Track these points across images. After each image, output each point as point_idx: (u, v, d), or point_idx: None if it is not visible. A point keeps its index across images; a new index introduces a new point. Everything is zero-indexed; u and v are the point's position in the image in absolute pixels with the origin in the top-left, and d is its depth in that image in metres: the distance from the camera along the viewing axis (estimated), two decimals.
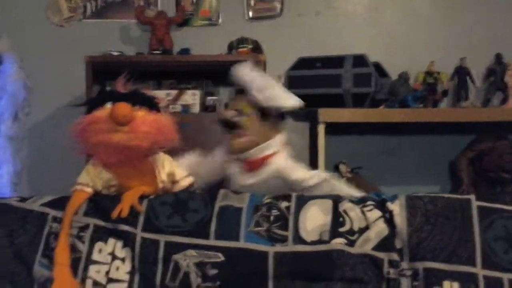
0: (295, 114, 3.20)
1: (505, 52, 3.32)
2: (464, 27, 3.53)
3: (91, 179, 1.99)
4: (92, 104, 1.94)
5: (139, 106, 1.89)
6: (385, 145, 3.47)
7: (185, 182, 2.10)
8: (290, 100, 2.33)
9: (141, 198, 1.94)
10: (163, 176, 2.04)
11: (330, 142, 3.07)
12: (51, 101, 3.51)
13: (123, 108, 1.83)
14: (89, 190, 1.97)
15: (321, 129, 3.02)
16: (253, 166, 2.34)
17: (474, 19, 3.53)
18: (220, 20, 3.56)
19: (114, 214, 1.88)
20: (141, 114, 1.88)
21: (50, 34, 3.56)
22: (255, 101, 2.29)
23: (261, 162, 2.33)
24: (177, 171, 2.09)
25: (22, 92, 3.46)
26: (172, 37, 3.31)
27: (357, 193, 2.18)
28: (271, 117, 2.33)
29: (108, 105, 1.87)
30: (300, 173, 2.33)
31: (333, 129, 3.08)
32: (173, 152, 2.10)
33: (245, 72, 2.36)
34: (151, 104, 1.95)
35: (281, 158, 2.36)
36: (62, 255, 1.83)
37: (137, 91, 1.96)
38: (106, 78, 3.17)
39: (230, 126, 2.32)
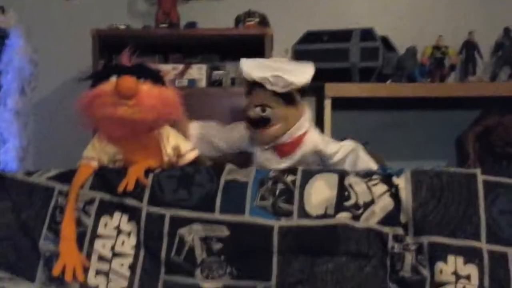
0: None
1: None
2: (473, 1, 3.50)
3: (97, 153, 1.99)
4: (97, 77, 1.93)
5: (144, 80, 1.89)
6: (392, 120, 3.45)
7: (190, 155, 2.10)
8: (303, 76, 2.30)
9: (147, 172, 1.94)
10: (168, 149, 2.04)
11: (336, 117, 3.06)
12: (57, 76, 3.51)
13: (128, 81, 1.83)
14: (95, 164, 1.98)
15: (327, 104, 3.02)
16: (288, 149, 2.34)
17: None
18: None
19: (120, 188, 1.88)
20: (146, 87, 1.88)
21: (56, 8, 3.55)
22: (273, 91, 2.27)
23: (296, 144, 2.34)
24: (182, 144, 2.09)
25: (28, 66, 3.46)
26: (178, 10, 3.29)
27: (374, 165, 2.25)
28: (293, 99, 2.31)
29: (113, 79, 1.87)
30: (333, 146, 2.35)
31: (339, 103, 3.07)
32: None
33: (253, 69, 2.33)
34: (156, 78, 1.95)
35: (313, 135, 2.38)
36: (68, 229, 1.84)
37: (142, 64, 1.96)
38: (113, 52, 3.15)
39: (260, 124, 2.31)
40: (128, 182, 1.89)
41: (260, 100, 2.30)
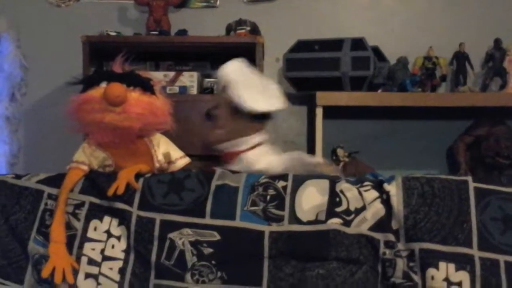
0: (292, 97, 3.21)
1: (504, 37, 3.31)
2: (463, 12, 3.53)
3: (87, 158, 1.99)
4: (87, 83, 1.93)
5: (133, 87, 1.89)
6: (383, 129, 3.46)
7: (181, 162, 2.10)
8: (261, 104, 2.34)
9: (137, 176, 1.94)
10: (159, 156, 2.05)
11: (327, 126, 3.06)
12: (48, 81, 3.50)
13: (117, 88, 1.83)
14: (85, 168, 1.97)
15: (319, 112, 3.02)
16: (227, 158, 2.39)
17: (473, 4, 3.53)
18: (218, 2, 3.55)
19: (110, 192, 1.87)
20: (135, 96, 1.88)
21: (47, 14, 3.55)
22: (230, 97, 2.33)
23: (230, 157, 2.38)
24: (173, 151, 2.10)
25: (19, 72, 3.46)
26: (169, 18, 3.30)
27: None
28: (247, 115, 2.34)
29: (103, 85, 1.87)
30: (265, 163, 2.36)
31: (331, 112, 3.07)
32: None
33: (231, 68, 2.41)
34: (146, 86, 1.95)
35: (254, 154, 2.39)
36: (57, 231, 1.84)
37: (133, 72, 1.97)
38: (104, 59, 3.16)
39: (208, 117, 2.43)
40: (118, 186, 1.88)
41: (218, 99, 2.45)
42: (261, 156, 2.39)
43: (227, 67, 2.42)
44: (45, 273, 1.77)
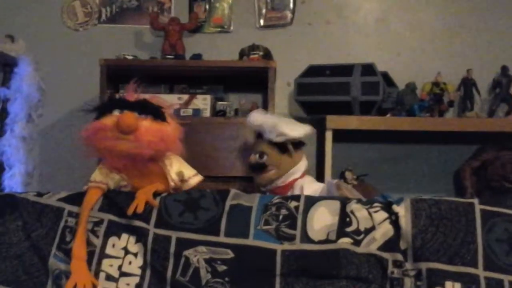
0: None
1: (511, 64, 3.36)
2: (471, 39, 3.58)
3: (104, 178, 2.04)
4: (101, 110, 2.00)
5: (145, 116, 1.96)
6: (391, 153, 3.50)
7: (193, 180, 2.16)
8: (297, 131, 2.63)
9: (154, 195, 2.00)
10: (173, 175, 2.09)
11: (337, 149, 3.11)
12: (64, 104, 3.57)
13: (128, 118, 1.90)
14: (104, 186, 2.03)
15: (328, 135, 3.06)
16: (281, 191, 2.60)
17: (481, 31, 3.58)
18: (231, 28, 3.62)
19: (130, 211, 1.93)
20: (146, 124, 1.95)
21: (65, 38, 3.62)
22: (270, 140, 2.62)
23: (287, 188, 2.65)
24: (185, 170, 2.15)
25: (36, 94, 3.52)
26: (184, 43, 3.36)
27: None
28: (287, 148, 2.63)
29: (116, 113, 1.95)
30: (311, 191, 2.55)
31: (340, 136, 3.12)
32: None
33: (257, 118, 2.69)
34: (157, 114, 2.01)
35: (303, 180, 2.66)
36: (79, 249, 1.90)
37: (145, 100, 2.02)
38: (120, 82, 3.22)
39: (257, 168, 2.67)
40: (138, 205, 1.94)
41: (258, 148, 2.67)
42: (309, 183, 2.64)
43: (253, 116, 2.70)
44: None
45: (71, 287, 1.82)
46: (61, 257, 1.93)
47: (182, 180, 2.14)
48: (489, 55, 3.53)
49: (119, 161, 1.99)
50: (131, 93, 2.04)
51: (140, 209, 1.93)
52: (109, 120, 1.93)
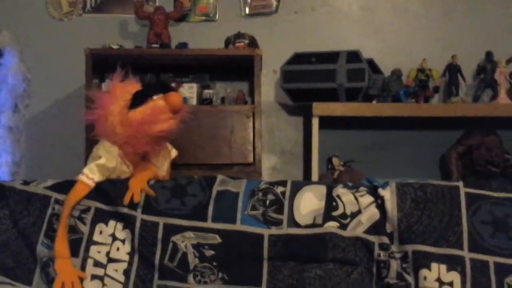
0: (289, 108, 3.29)
1: (495, 50, 3.37)
2: (456, 25, 3.59)
3: (104, 174, 2.04)
4: (141, 97, 2.03)
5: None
6: (377, 139, 3.51)
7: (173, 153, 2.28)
8: None
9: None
10: (165, 169, 2.16)
11: (323, 135, 3.12)
12: (50, 94, 3.54)
13: (178, 97, 2.03)
14: (93, 185, 2.01)
15: (315, 122, 3.07)
16: None
17: (465, 17, 3.58)
18: (217, 16, 3.61)
19: (126, 200, 1.95)
20: None
21: (50, 28, 3.60)
22: None
23: None
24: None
25: (22, 84, 3.50)
26: (170, 32, 3.35)
27: None
28: None
29: (159, 95, 2.01)
30: None
31: (326, 123, 3.13)
32: None
33: None
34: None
35: None
36: (61, 247, 1.91)
37: (162, 80, 2.10)
38: (105, 71, 3.21)
39: None
40: (134, 194, 1.95)
41: None
42: None
43: None
44: None
45: (59, 287, 1.83)
46: (49, 244, 1.94)
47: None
48: (474, 41, 3.54)
49: (151, 144, 2.06)
50: (118, 78, 2.09)
51: (137, 199, 1.95)
52: (158, 103, 2.00)
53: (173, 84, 3.20)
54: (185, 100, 3.15)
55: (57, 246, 1.90)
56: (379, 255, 1.87)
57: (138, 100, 1.99)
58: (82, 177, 2.00)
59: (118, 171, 2.05)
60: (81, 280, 1.87)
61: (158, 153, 2.14)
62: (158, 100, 1.98)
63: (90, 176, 2.01)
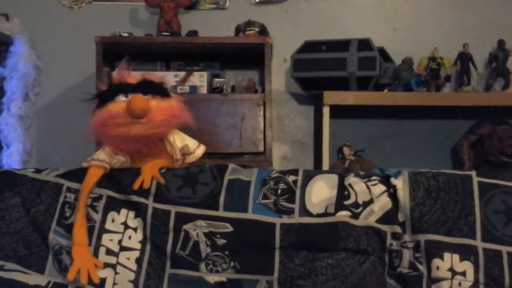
0: (300, 97, 3.28)
1: (507, 38, 3.35)
2: (467, 13, 3.58)
3: (108, 158, 2.03)
4: (104, 97, 1.98)
5: (151, 95, 1.95)
6: (388, 128, 3.51)
7: (199, 151, 2.18)
8: None
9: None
10: (178, 153, 2.10)
11: (334, 124, 3.12)
12: (60, 82, 3.56)
13: (139, 101, 1.89)
14: (107, 166, 2.00)
15: (325, 111, 3.07)
16: None
17: (477, 5, 3.57)
18: (227, 4, 3.60)
19: (136, 185, 1.94)
20: (155, 104, 1.94)
21: (60, 16, 3.60)
22: None
23: None
24: (190, 143, 2.15)
25: (32, 72, 3.51)
26: (180, 20, 3.35)
27: None
28: None
29: (121, 97, 1.93)
30: None
31: (337, 112, 3.13)
32: None
33: None
34: (162, 91, 2.01)
35: None
36: (79, 234, 1.88)
37: (146, 80, 2.00)
38: (116, 59, 3.20)
39: None
40: (144, 180, 1.94)
41: None
42: None
43: None
44: (70, 276, 1.81)
45: (74, 273, 1.82)
46: (61, 232, 1.93)
47: (188, 153, 2.14)
48: (486, 29, 3.53)
49: (132, 145, 1.99)
50: (123, 72, 2.02)
51: (146, 185, 1.94)
52: (117, 107, 1.91)
53: (183, 73, 3.20)
54: (195, 89, 3.17)
55: (75, 233, 1.88)
56: (391, 244, 1.86)
57: (101, 100, 1.96)
58: (94, 162, 2.00)
59: (118, 163, 2.05)
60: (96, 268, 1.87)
61: (158, 153, 2.10)
62: (119, 103, 1.91)
63: (96, 157, 2.00)
